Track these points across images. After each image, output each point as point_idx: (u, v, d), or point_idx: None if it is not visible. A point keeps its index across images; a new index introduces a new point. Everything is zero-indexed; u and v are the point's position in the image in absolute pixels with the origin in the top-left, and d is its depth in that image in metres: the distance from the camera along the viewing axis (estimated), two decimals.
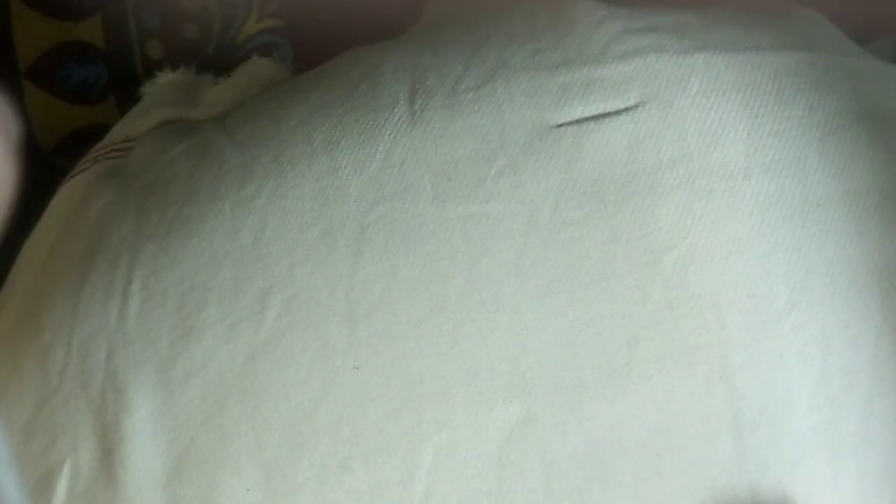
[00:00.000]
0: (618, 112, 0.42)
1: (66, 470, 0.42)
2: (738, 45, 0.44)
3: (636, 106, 0.42)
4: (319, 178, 0.43)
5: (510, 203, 0.42)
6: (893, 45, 0.57)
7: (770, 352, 0.41)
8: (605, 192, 0.42)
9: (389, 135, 0.43)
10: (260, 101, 0.48)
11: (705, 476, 0.41)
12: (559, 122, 0.42)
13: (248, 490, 0.41)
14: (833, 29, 0.48)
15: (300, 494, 0.41)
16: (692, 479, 0.41)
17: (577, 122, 0.42)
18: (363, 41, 0.48)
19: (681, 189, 0.41)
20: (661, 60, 0.43)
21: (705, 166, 0.41)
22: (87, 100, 0.62)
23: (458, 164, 0.42)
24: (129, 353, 0.42)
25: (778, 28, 0.46)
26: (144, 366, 0.41)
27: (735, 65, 0.43)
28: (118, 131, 0.51)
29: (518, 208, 0.42)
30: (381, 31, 0.50)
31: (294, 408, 0.41)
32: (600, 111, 0.42)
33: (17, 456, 0.42)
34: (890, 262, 0.42)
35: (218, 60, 0.59)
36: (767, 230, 0.41)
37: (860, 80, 0.45)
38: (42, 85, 0.61)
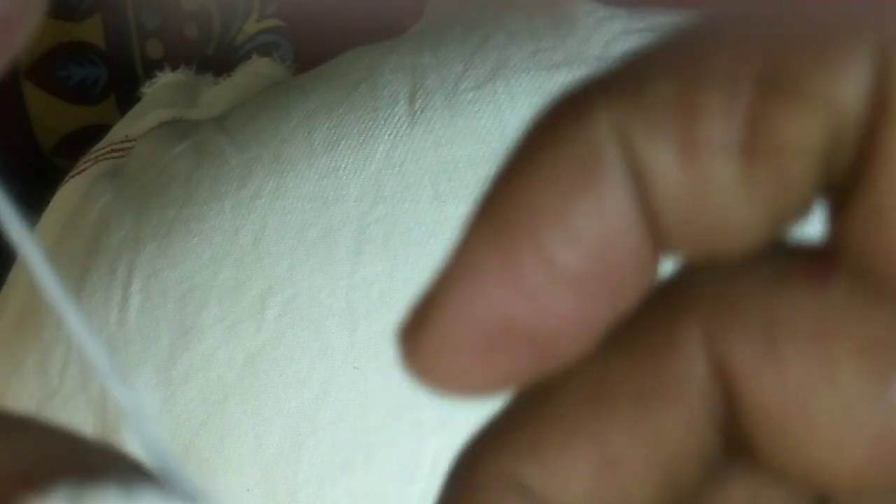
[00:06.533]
0: None
1: None
2: None
3: None
4: (319, 178, 0.43)
5: None
6: None
7: None
8: None
9: (389, 135, 0.43)
10: (260, 101, 0.48)
11: None
12: None
13: (248, 490, 0.41)
14: None
15: (300, 494, 0.41)
16: None
17: None
18: (363, 41, 0.48)
19: None
20: None
21: None
22: (87, 100, 0.62)
23: (458, 164, 0.42)
24: (129, 353, 0.42)
25: None
26: (144, 366, 0.41)
27: None
28: (118, 131, 0.51)
29: None
30: (381, 31, 0.50)
31: (294, 408, 0.41)
32: None
33: None
34: None
35: (218, 60, 0.59)
36: None
37: None
38: (42, 85, 0.61)
